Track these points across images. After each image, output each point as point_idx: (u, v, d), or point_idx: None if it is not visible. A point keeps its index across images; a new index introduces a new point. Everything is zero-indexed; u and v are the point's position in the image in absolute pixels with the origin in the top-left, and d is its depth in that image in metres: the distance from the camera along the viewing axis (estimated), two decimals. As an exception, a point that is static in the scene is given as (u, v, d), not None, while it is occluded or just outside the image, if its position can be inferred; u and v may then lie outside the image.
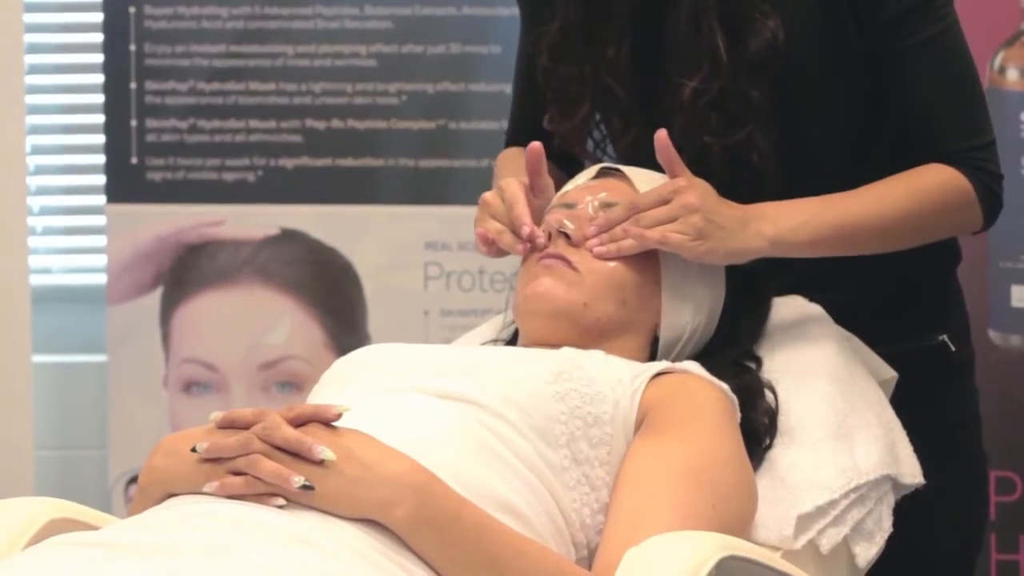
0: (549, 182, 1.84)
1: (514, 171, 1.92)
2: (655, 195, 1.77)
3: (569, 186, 1.88)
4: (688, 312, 1.80)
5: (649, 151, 1.82)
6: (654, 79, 1.89)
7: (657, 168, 1.83)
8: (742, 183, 1.84)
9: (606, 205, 1.81)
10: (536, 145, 1.82)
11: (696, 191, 1.76)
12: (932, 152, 1.88)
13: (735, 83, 1.84)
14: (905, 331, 1.97)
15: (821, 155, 1.91)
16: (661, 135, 1.77)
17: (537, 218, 1.82)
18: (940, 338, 1.98)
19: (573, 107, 1.91)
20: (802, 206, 1.82)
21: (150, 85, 3.15)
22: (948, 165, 1.86)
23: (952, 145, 1.87)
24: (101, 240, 3.23)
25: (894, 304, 1.97)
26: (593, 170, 1.88)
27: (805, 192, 1.85)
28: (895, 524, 1.77)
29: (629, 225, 1.76)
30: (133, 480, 3.08)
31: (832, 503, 1.71)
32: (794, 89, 1.88)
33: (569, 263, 1.77)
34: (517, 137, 2.05)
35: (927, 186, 1.86)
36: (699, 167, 1.81)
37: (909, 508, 1.81)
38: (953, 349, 1.99)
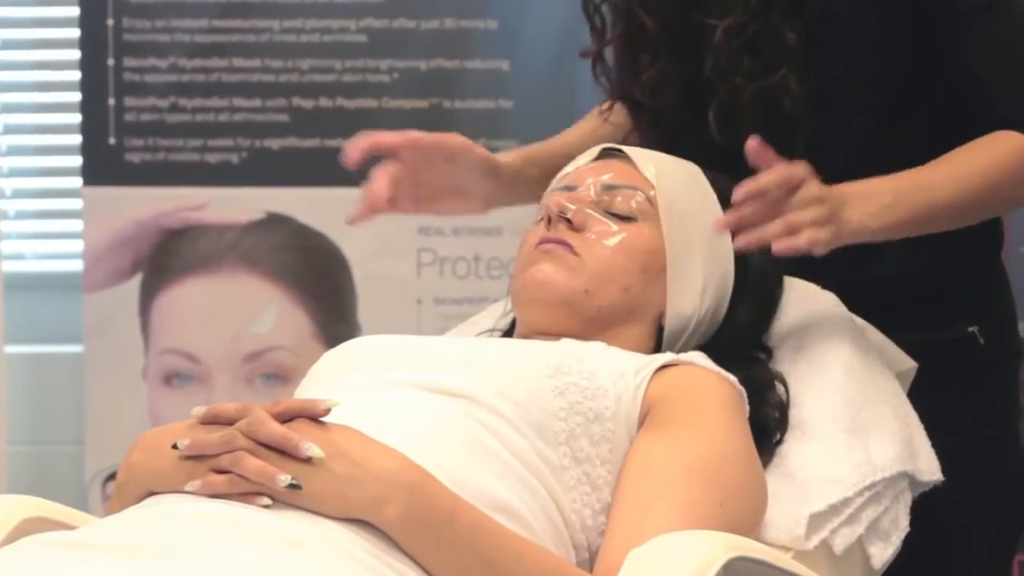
0: (432, 141, 1.93)
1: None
2: (781, 178, 1.70)
3: (569, 168, 1.86)
4: (695, 299, 1.78)
5: (670, 88, 1.88)
6: (691, 20, 1.90)
7: (674, 122, 1.88)
8: (775, 131, 1.80)
9: (608, 188, 1.78)
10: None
11: (816, 181, 1.72)
12: (992, 117, 1.87)
13: (769, 24, 1.84)
14: (931, 320, 1.95)
15: (854, 114, 1.90)
16: (752, 143, 1.72)
17: (444, 183, 1.96)
18: (969, 330, 1.95)
19: (603, 33, 1.94)
20: (882, 189, 1.79)
21: (128, 62, 3.14)
22: (1016, 132, 1.86)
23: (1017, 112, 1.86)
24: (77, 224, 3.22)
25: (921, 291, 1.95)
26: (594, 151, 1.87)
27: (832, 152, 1.82)
28: (917, 524, 1.75)
29: (776, 222, 1.70)
30: (111, 477, 3.09)
31: (846, 501, 1.69)
32: (833, 41, 1.87)
33: (570, 248, 1.74)
34: None
35: (1002, 158, 1.84)
36: (730, 112, 1.82)
37: (932, 507, 1.79)
38: (982, 343, 1.96)
